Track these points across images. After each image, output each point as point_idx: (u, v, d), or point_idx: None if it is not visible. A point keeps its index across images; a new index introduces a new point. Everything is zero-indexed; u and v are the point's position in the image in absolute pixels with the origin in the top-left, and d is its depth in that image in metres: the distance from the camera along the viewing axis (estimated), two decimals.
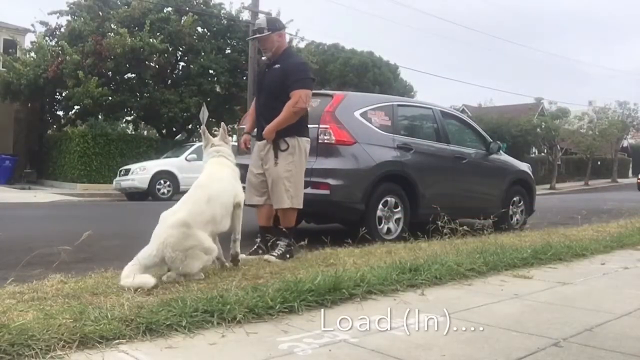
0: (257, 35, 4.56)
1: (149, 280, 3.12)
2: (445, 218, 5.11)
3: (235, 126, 17.42)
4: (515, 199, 7.73)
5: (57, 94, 21.81)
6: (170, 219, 3.41)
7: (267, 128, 4.35)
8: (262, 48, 4.74)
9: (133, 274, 3.16)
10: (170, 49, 21.06)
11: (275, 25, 4.60)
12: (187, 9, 21.61)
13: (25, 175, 21.96)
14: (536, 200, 8.36)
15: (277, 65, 4.48)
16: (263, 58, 5.23)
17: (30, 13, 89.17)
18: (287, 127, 4.35)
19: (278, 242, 4.38)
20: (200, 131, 4.27)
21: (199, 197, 3.60)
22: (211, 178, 3.81)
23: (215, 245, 3.64)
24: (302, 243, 4.39)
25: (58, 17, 22.06)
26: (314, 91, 6.92)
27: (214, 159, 3.97)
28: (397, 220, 6.10)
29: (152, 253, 3.27)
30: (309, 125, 4.64)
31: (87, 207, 12.84)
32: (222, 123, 4.26)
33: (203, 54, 21.54)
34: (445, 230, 5.02)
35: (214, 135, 4.13)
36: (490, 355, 2.28)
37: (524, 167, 8.19)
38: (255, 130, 4.73)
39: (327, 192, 5.63)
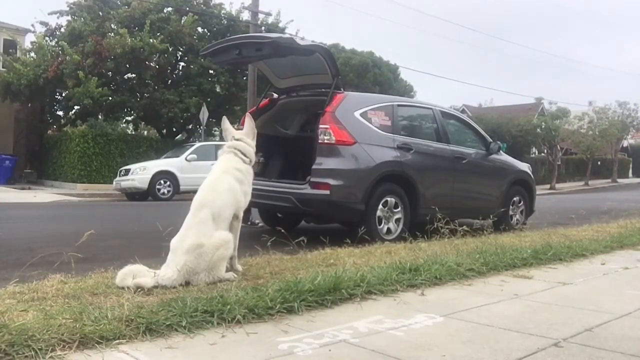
0: None
1: (147, 281, 3.14)
2: (445, 218, 5.11)
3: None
4: (515, 199, 7.73)
5: (57, 94, 21.80)
6: (182, 246, 3.36)
7: None
8: None
9: (132, 275, 3.17)
10: (171, 49, 21.07)
11: None
12: (188, 9, 21.62)
13: (25, 175, 21.96)
14: (536, 200, 8.36)
15: None
16: None
17: (30, 13, 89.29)
18: None
19: None
20: (222, 123, 4.15)
21: (202, 218, 3.47)
22: (214, 190, 3.64)
23: (229, 234, 3.57)
24: (302, 241, 4.36)
25: (58, 17, 22.13)
26: (314, 91, 6.93)
27: (225, 157, 3.85)
28: (397, 221, 6.10)
29: (173, 277, 3.23)
30: None
31: (87, 207, 12.83)
32: (248, 113, 4.18)
33: None
34: (445, 231, 5.01)
35: (238, 128, 4.05)
36: (490, 355, 2.28)
37: (524, 167, 8.18)
38: None
39: (327, 192, 5.63)
